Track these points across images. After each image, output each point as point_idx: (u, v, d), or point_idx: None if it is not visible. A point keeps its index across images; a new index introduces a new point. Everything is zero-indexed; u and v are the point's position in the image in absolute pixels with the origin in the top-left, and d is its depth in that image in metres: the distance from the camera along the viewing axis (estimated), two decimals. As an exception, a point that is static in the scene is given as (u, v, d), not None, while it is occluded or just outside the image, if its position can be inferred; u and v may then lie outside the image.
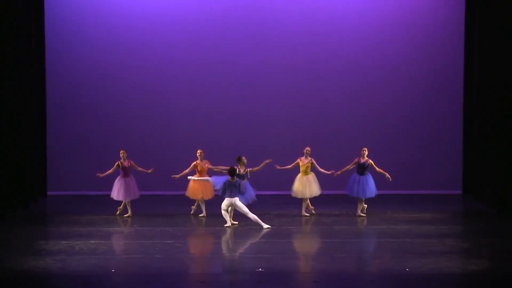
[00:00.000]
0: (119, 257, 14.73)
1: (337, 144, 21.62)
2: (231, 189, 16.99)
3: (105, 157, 20.39)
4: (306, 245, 15.78)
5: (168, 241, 15.56)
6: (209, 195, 18.23)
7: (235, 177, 17.07)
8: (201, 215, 18.37)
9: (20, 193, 18.93)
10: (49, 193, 21.55)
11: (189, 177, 18.25)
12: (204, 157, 18.43)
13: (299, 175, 18.45)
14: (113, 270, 13.46)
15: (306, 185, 18.30)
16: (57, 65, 21.54)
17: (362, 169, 18.13)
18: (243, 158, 17.72)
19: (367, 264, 14.09)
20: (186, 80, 21.87)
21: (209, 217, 18.23)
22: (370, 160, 18.13)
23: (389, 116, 22.01)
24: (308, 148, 18.39)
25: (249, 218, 17.08)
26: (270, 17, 21.78)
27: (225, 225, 17.11)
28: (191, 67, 21.83)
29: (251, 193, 17.57)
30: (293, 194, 18.50)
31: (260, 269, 13.31)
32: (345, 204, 19.33)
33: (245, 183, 17.48)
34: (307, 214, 18.41)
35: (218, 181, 17.29)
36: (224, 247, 15.67)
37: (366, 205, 18.37)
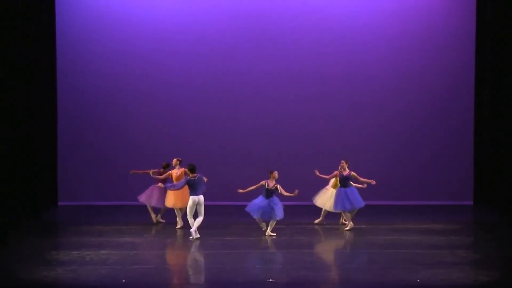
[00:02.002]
0: (130, 267, 14.73)
1: (346, 153, 21.51)
2: (195, 186, 16.73)
3: (116, 167, 20.46)
4: (316, 256, 15.75)
5: (178, 252, 15.56)
6: (185, 204, 17.91)
7: (195, 174, 16.79)
8: (178, 226, 18.25)
9: (31, 203, 18.98)
10: (60, 203, 21.59)
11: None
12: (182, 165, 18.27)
13: (330, 186, 18.49)
14: (123, 280, 13.48)
15: (330, 198, 18.33)
16: (68, 74, 21.59)
17: (346, 181, 18.09)
18: (275, 172, 17.48)
19: (377, 275, 14.06)
20: (198, 89, 21.84)
21: (218, 227, 18.22)
22: (352, 172, 18.07)
23: (399, 125, 21.96)
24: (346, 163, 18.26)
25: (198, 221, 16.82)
26: (279, 25, 21.77)
27: (190, 237, 16.77)
28: (203, 75, 21.81)
29: (279, 209, 17.31)
30: (316, 203, 18.56)
31: (271, 280, 13.30)
32: (356, 214, 19.25)
33: (274, 198, 17.24)
34: (315, 222, 18.45)
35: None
36: (233, 257, 15.65)
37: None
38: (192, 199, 16.73)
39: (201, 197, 16.75)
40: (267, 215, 17.16)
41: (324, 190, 18.61)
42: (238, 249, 16.29)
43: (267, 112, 21.90)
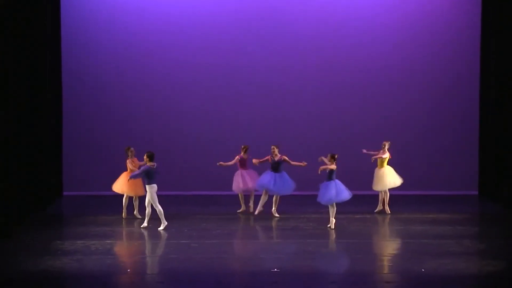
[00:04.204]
0: (135, 257, 14.76)
1: (352, 145, 21.47)
2: (154, 175, 16.74)
3: (120, 158, 20.38)
4: (322, 246, 15.72)
5: (183, 241, 15.57)
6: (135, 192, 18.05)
7: (153, 162, 16.78)
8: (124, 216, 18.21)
9: (37, 194, 18.98)
10: (65, 193, 21.61)
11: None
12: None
13: (376, 168, 18.86)
14: (128, 270, 13.49)
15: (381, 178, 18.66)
16: (73, 66, 21.57)
17: (277, 166, 18.18)
18: (335, 155, 17.17)
19: (383, 264, 14.06)
20: (204, 83, 21.73)
21: (223, 217, 18.22)
22: (284, 156, 18.12)
23: (404, 117, 21.89)
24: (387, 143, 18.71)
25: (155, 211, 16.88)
26: (284, 20, 21.68)
27: (142, 226, 16.85)
28: (207, 69, 21.72)
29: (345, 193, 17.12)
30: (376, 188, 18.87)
31: (276, 270, 13.31)
32: (362, 205, 19.23)
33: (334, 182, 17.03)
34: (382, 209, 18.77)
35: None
36: (239, 247, 15.67)
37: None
38: (153, 187, 16.71)
39: (155, 186, 16.78)
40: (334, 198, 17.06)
41: (381, 174, 18.78)
42: (242, 239, 16.30)
43: (273, 106, 21.81)
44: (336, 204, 16.92)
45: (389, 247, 15.72)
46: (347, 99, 21.92)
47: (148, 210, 16.90)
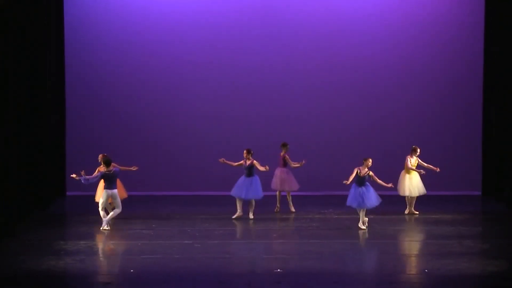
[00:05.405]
0: (138, 257, 14.76)
1: (355, 145, 21.48)
2: (110, 180, 16.74)
3: (123, 157, 20.44)
4: (324, 246, 15.73)
5: (187, 242, 15.59)
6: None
7: (111, 167, 16.81)
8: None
9: (39, 193, 19.01)
10: (68, 193, 21.62)
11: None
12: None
13: (403, 172, 18.79)
14: (131, 270, 13.51)
15: (410, 183, 18.63)
16: (77, 66, 21.58)
17: (250, 170, 18.08)
18: (369, 160, 17.04)
19: (386, 265, 14.07)
20: (203, 83, 21.75)
21: (226, 217, 18.22)
22: (254, 161, 18.01)
23: (407, 117, 21.89)
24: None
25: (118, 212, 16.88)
26: (284, 20, 21.68)
27: (101, 228, 16.71)
28: (209, 69, 21.74)
29: (374, 199, 17.03)
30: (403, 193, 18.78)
31: (278, 270, 13.32)
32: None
33: (367, 187, 16.99)
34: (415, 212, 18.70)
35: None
36: (241, 247, 15.68)
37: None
38: (105, 192, 16.76)
39: (115, 191, 16.78)
40: (356, 202, 16.95)
41: (400, 178, 18.74)
42: (245, 239, 16.31)
43: (274, 105, 21.80)
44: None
45: (391, 248, 15.71)
46: (348, 99, 21.89)
47: (104, 213, 16.87)
